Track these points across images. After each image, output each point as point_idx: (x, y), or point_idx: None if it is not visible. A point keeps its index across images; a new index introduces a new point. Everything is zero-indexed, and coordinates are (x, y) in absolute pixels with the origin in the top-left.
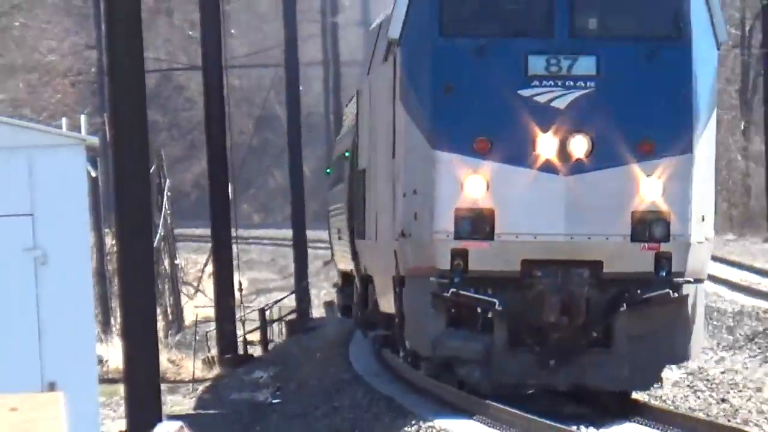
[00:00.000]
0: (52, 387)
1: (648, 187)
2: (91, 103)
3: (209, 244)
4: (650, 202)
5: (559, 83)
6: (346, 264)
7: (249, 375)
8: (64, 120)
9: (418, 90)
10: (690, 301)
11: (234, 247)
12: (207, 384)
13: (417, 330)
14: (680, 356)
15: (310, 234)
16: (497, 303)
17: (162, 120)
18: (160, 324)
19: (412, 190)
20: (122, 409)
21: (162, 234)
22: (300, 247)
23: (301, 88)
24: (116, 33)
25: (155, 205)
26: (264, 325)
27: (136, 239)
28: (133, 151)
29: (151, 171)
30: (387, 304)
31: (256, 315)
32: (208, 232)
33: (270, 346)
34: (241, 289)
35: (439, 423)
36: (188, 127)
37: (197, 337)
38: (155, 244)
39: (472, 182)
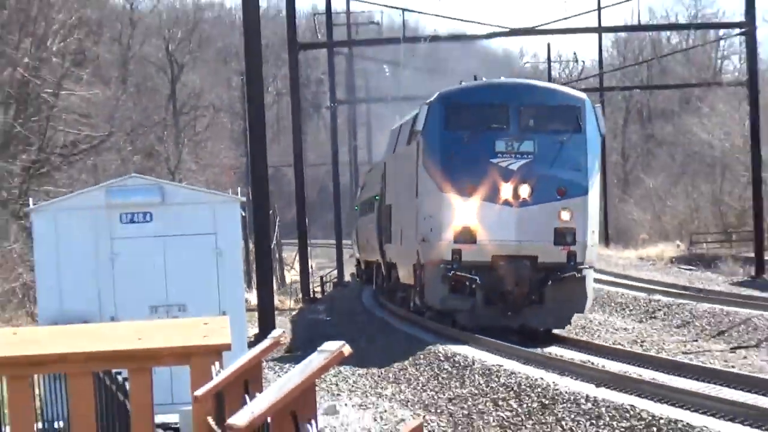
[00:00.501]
0: (224, 313)
1: (563, 214)
2: (242, 182)
3: (296, 246)
4: (564, 221)
5: (513, 156)
6: (368, 257)
7: (315, 307)
8: (230, 190)
9: (432, 159)
10: (587, 279)
11: (308, 248)
12: (295, 311)
13: (432, 293)
14: (581, 310)
15: (344, 241)
16: (478, 279)
17: (274, 189)
18: (275, 283)
19: (429, 215)
20: (256, 324)
21: (274, 242)
22: (339, 247)
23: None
24: (254, 147)
25: (272, 228)
26: (322, 284)
27: (262, 243)
28: (261, 204)
29: (270, 213)
30: (407, 278)
31: (318, 279)
32: (296, 241)
33: (324, 294)
34: (311, 267)
35: (445, 347)
36: (289, 191)
37: (291, 289)
38: (272, 246)
39: (464, 211)
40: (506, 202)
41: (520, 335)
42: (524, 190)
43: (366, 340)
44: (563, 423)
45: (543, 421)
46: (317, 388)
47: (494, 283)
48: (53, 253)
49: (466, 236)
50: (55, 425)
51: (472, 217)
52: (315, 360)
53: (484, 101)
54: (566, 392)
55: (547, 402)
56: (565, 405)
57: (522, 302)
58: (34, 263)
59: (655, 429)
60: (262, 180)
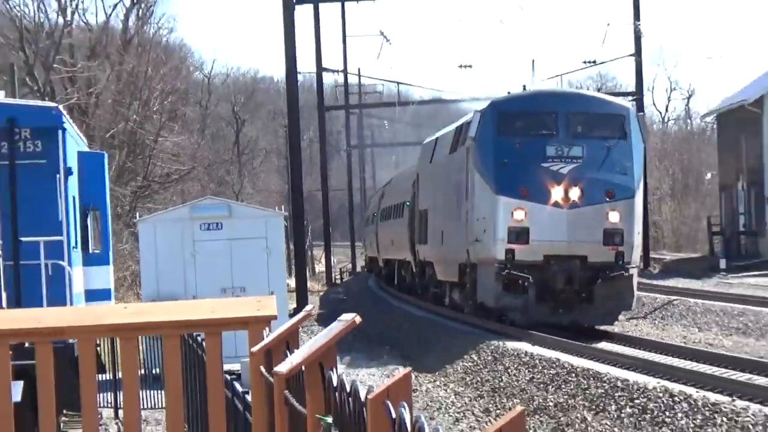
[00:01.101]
0: (272, 293)
1: (611, 215)
2: (285, 202)
3: (323, 247)
4: (613, 223)
5: (563, 160)
6: (390, 255)
7: (336, 289)
8: (276, 208)
9: (485, 163)
10: (633, 277)
11: (331, 248)
12: (322, 293)
13: (486, 291)
14: (629, 307)
15: (357, 243)
16: (530, 278)
17: (308, 207)
18: (307, 272)
19: (482, 216)
20: (294, 301)
21: (307, 244)
22: (353, 248)
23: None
24: (293, 177)
25: (305, 234)
26: (340, 273)
27: (300, 244)
28: (298, 217)
29: (304, 223)
30: (445, 275)
31: (338, 271)
32: (323, 243)
33: (342, 281)
34: (333, 262)
35: (502, 343)
36: (318, 208)
37: (319, 277)
38: (305, 247)
39: (517, 213)
40: (557, 204)
41: (565, 332)
42: (574, 193)
43: (419, 342)
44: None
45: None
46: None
47: (546, 282)
48: (153, 251)
49: (520, 237)
50: (154, 371)
51: (525, 219)
52: (335, 326)
53: (534, 109)
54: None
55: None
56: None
57: (572, 300)
58: (139, 258)
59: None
60: (299, 200)
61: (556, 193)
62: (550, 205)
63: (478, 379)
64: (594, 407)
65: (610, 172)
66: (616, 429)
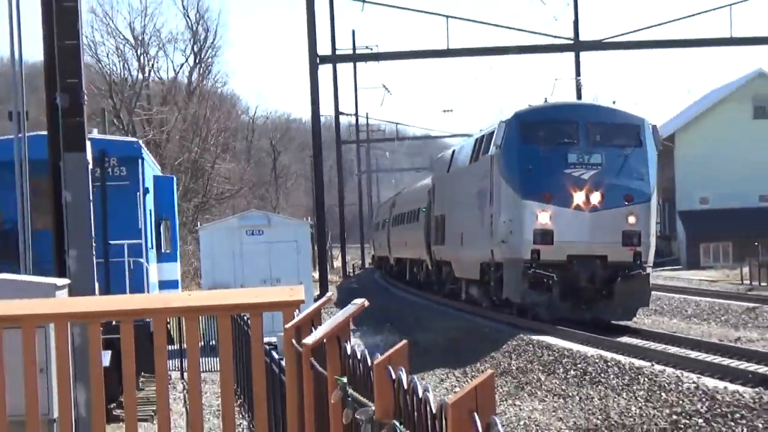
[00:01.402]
0: (301, 282)
1: (630, 218)
2: (311, 214)
3: (339, 247)
4: (631, 225)
5: (584, 167)
6: (401, 254)
7: (349, 280)
8: (305, 218)
9: (511, 170)
10: (649, 276)
11: (345, 249)
12: (339, 283)
13: (512, 289)
14: (646, 303)
15: (365, 245)
16: (555, 276)
17: (328, 217)
18: (327, 267)
19: (509, 219)
20: (318, 289)
21: (327, 245)
22: (362, 249)
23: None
24: (317, 195)
25: (326, 238)
26: (353, 268)
27: (322, 246)
28: (321, 226)
29: (325, 230)
30: (463, 273)
31: (351, 267)
32: (339, 245)
33: (354, 273)
34: (347, 259)
35: (530, 336)
36: (336, 218)
37: (336, 271)
38: (326, 248)
39: (543, 216)
40: (579, 208)
41: (585, 326)
42: (595, 197)
43: (415, 321)
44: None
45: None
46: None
47: (569, 280)
48: (210, 251)
49: (545, 238)
50: (212, 343)
51: (549, 221)
52: (349, 308)
53: (556, 119)
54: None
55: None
56: None
57: (594, 297)
58: (200, 256)
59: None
60: (321, 213)
61: (579, 197)
62: (573, 209)
63: (458, 350)
64: (546, 370)
65: (628, 178)
66: (563, 386)
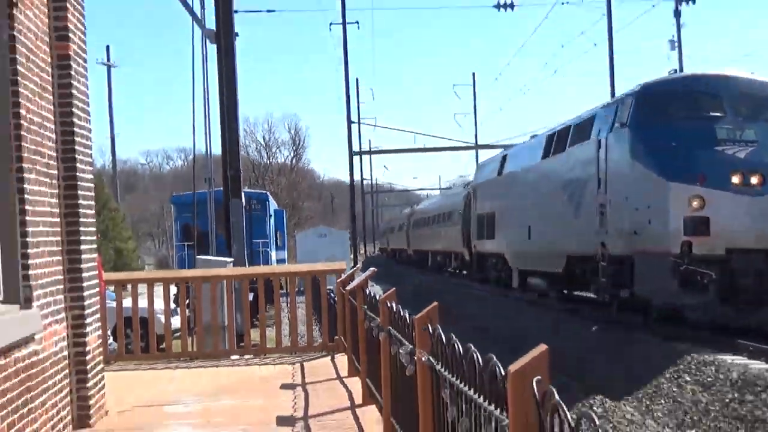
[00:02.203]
0: (343, 261)
1: None
2: (349, 227)
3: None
4: None
5: (736, 144)
6: (422, 247)
7: (368, 260)
8: (346, 230)
9: (648, 149)
10: None
11: (366, 245)
12: (361, 261)
13: (657, 288)
14: None
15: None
16: (713, 274)
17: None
18: (358, 254)
19: (643, 205)
20: (352, 263)
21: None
22: (374, 245)
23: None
24: (352, 220)
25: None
26: (368, 254)
27: (354, 243)
28: (355, 234)
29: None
30: (528, 266)
31: (367, 253)
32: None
33: (368, 256)
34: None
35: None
36: (360, 229)
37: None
38: (356, 243)
39: (695, 201)
40: (739, 191)
41: (748, 336)
42: (755, 179)
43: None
44: None
45: None
46: None
47: (728, 280)
48: (304, 245)
49: (699, 227)
50: (300, 288)
51: (702, 207)
52: (368, 272)
53: (696, 90)
54: None
55: None
56: None
57: (759, 299)
58: (296, 248)
59: None
60: (354, 228)
61: (736, 178)
62: (732, 192)
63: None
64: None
65: None
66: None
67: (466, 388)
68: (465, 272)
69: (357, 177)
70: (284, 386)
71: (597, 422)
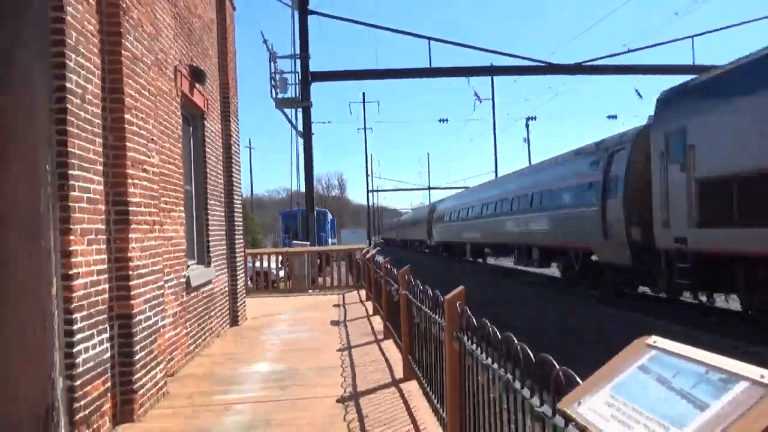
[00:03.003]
0: (362, 244)
1: None
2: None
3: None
4: None
5: None
6: (439, 239)
7: (377, 245)
8: (366, 234)
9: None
10: None
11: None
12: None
13: None
14: None
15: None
16: None
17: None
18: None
19: None
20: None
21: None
22: (377, 237)
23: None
24: (369, 223)
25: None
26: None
27: (369, 234)
28: (369, 230)
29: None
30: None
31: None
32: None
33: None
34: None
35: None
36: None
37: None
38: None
39: None
40: None
41: None
42: None
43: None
44: None
45: None
46: None
47: None
48: (344, 237)
49: None
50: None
51: None
52: (374, 250)
53: None
54: None
55: None
56: None
57: None
58: (342, 238)
59: None
60: (369, 228)
61: None
62: None
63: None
64: None
65: None
66: None
67: (425, 308)
68: (426, 250)
69: (371, 202)
70: (334, 305)
71: (488, 322)
